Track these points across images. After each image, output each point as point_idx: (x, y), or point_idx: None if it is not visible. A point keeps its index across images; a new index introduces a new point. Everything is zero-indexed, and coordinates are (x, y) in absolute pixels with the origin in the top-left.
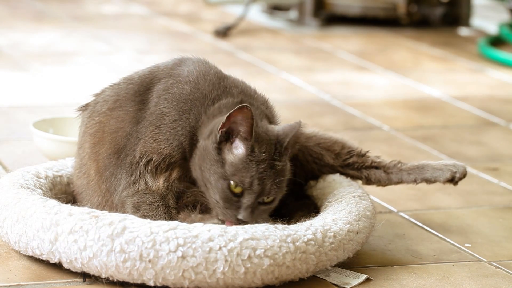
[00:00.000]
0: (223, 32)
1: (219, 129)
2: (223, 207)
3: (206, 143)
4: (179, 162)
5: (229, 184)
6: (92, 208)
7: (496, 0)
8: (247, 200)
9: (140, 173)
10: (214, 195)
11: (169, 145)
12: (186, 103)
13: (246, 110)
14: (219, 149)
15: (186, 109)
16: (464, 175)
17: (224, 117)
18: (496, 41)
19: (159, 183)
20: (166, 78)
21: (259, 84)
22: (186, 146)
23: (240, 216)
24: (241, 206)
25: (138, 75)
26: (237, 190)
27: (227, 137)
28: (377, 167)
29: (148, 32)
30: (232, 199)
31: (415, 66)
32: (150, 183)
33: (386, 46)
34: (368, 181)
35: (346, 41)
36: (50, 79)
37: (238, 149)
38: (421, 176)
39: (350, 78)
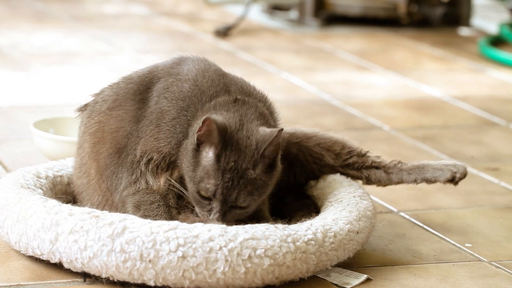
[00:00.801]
0: (224, 32)
1: (196, 132)
2: (196, 207)
3: (187, 142)
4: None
5: (197, 188)
6: (92, 207)
7: (496, 0)
8: (215, 205)
9: (141, 172)
10: (189, 194)
11: (169, 143)
12: (184, 100)
13: (209, 122)
14: (196, 151)
15: (184, 107)
16: (464, 175)
17: (201, 121)
18: (497, 41)
19: (160, 183)
20: (165, 77)
21: (260, 84)
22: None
23: (211, 218)
24: (212, 210)
25: (138, 74)
26: (203, 193)
27: (204, 141)
28: (377, 167)
29: (148, 32)
30: (203, 202)
31: (416, 66)
32: (151, 183)
33: (386, 46)
34: (368, 181)
35: (347, 41)
36: (50, 79)
37: (209, 155)
38: (422, 176)
39: (350, 78)
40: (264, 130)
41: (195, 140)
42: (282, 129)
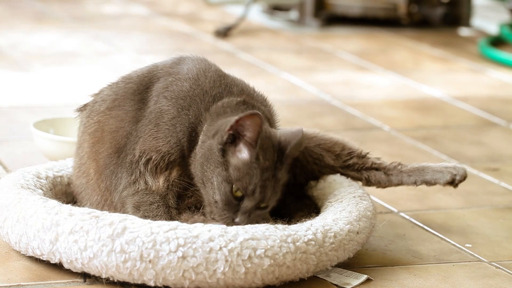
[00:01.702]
0: (224, 32)
1: (227, 131)
2: (222, 208)
3: (211, 142)
4: (178, 161)
5: (231, 188)
6: (91, 207)
7: (496, 0)
8: (246, 205)
9: (140, 172)
10: (213, 195)
11: (168, 143)
12: (185, 99)
13: (256, 118)
14: (223, 151)
15: (185, 106)
16: (464, 177)
17: (233, 119)
18: (497, 41)
19: (159, 183)
20: (165, 77)
21: (260, 84)
22: (185, 143)
23: (237, 220)
24: (239, 210)
25: (137, 74)
26: (238, 194)
27: (232, 139)
28: (377, 168)
29: (148, 32)
30: (233, 203)
31: (416, 66)
32: (150, 183)
33: (386, 46)
34: (368, 183)
35: (347, 42)
36: (50, 79)
37: (242, 153)
38: (421, 178)
39: (350, 78)
40: (287, 131)
41: (226, 138)
42: (302, 129)
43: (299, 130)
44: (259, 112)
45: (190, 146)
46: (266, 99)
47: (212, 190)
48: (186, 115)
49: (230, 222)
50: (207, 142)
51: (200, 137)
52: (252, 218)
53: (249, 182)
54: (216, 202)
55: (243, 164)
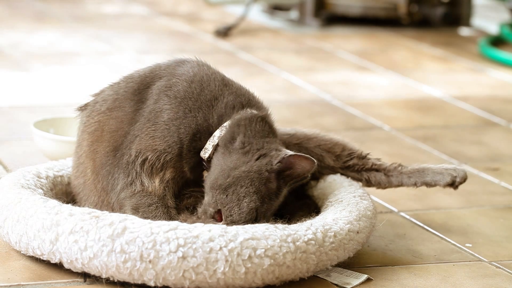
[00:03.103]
0: (224, 32)
1: (279, 161)
2: (210, 219)
3: (259, 165)
4: (174, 161)
5: (257, 216)
6: (89, 207)
7: (496, 0)
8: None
9: (136, 173)
10: (232, 212)
11: (165, 142)
12: (195, 101)
13: (312, 165)
14: (267, 179)
15: (194, 108)
16: (464, 179)
17: (288, 154)
18: (497, 41)
19: (155, 184)
20: (168, 77)
21: (260, 84)
22: (185, 143)
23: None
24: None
25: (139, 73)
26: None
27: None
28: (377, 169)
29: (148, 32)
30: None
31: (416, 66)
32: (146, 184)
33: (386, 46)
34: (368, 184)
35: (347, 41)
36: (50, 79)
37: (272, 185)
38: (422, 179)
39: (350, 78)
40: (305, 162)
41: (274, 170)
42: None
43: (313, 164)
44: (315, 160)
45: (191, 147)
46: (262, 103)
47: (235, 208)
48: (193, 117)
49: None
50: (252, 160)
51: (215, 138)
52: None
53: (268, 212)
54: (233, 220)
55: (269, 194)
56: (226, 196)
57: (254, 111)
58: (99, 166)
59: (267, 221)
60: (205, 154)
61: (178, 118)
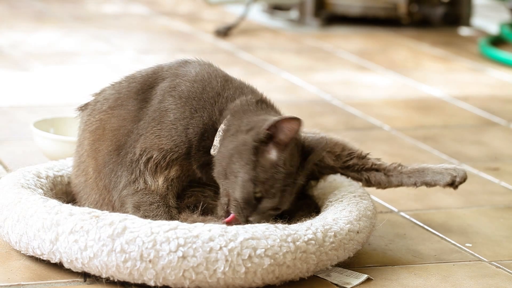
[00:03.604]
0: (224, 32)
1: (264, 129)
2: (240, 206)
3: (245, 137)
4: (180, 159)
5: (254, 188)
6: (90, 206)
7: (496, 0)
8: (264, 206)
9: (140, 171)
10: (234, 191)
11: (173, 141)
12: (198, 101)
13: (297, 124)
14: (257, 149)
15: (198, 107)
16: (464, 179)
17: (272, 119)
18: (497, 41)
19: (158, 183)
20: (171, 77)
21: (260, 84)
22: (195, 143)
23: (251, 218)
24: (255, 210)
25: (141, 74)
26: (259, 195)
27: (267, 139)
28: (377, 169)
29: (148, 32)
30: (252, 202)
31: (416, 66)
32: (149, 182)
33: (386, 46)
34: (368, 183)
35: (347, 41)
36: (50, 79)
37: (271, 155)
38: (421, 179)
39: (350, 78)
40: (312, 137)
41: (263, 136)
42: (326, 138)
43: (323, 138)
44: (300, 119)
45: (200, 146)
46: (263, 95)
47: (235, 186)
48: (200, 117)
49: (244, 220)
50: (241, 136)
51: (221, 132)
52: (264, 217)
53: (272, 185)
54: (235, 199)
55: (270, 166)
56: (228, 179)
57: (251, 97)
58: (102, 164)
59: (289, 200)
60: (214, 151)
61: (185, 118)
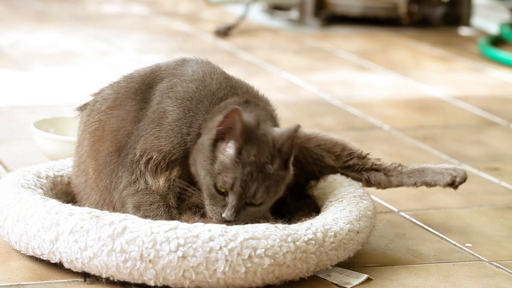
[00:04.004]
0: (224, 32)
1: (216, 127)
2: (209, 204)
3: (203, 138)
4: (180, 160)
5: (215, 182)
6: (90, 206)
7: (496, 0)
8: (230, 200)
9: (140, 172)
10: (202, 190)
11: (170, 143)
12: (191, 101)
13: (235, 113)
14: (214, 146)
15: (191, 107)
16: (464, 179)
17: (220, 116)
18: (497, 41)
19: (159, 183)
20: (169, 77)
21: (260, 84)
22: (191, 143)
23: (223, 215)
24: (226, 205)
25: (139, 73)
26: (222, 189)
27: (224, 136)
28: (377, 169)
29: (148, 32)
30: (218, 197)
31: (416, 66)
32: (150, 183)
33: (386, 46)
34: (368, 183)
35: (347, 41)
36: (50, 79)
37: (229, 149)
38: (421, 179)
39: (350, 78)
40: (280, 129)
41: (215, 133)
42: (300, 126)
43: (294, 127)
44: (239, 108)
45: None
46: (269, 101)
47: (201, 185)
48: (193, 117)
49: (220, 218)
50: (201, 138)
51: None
52: (244, 215)
53: (229, 176)
54: (205, 197)
55: (228, 159)
56: (199, 179)
57: (237, 98)
58: (102, 165)
59: (266, 194)
60: None
61: (180, 119)
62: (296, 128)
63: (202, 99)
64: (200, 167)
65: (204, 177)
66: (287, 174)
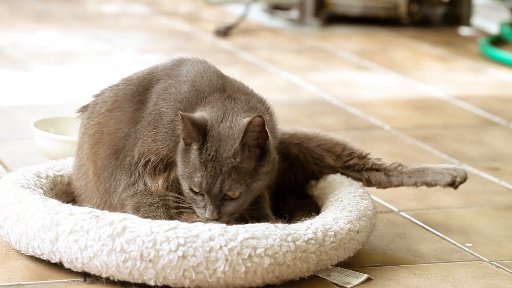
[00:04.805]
0: (224, 32)
1: (181, 131)
2: (194, 207)
3: (179, 144)
4: None
5: (189, 184)
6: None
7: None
8: (206, 199)
9: (139, 174)
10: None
11: (167, 146)
12: (182, 102)
13: (183, 117)
14: (186, 150)
15: (181, 109)
16: (464, 179)
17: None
18: (497, 41)
19: (158, 184)
20: (165, 79)
21: (260, 84)
22: None
23: (206, 215)
24: (206, 205)
25: (137, 76)
26: (195, 189)
27: (188, 140)
28: (377, 169)
29: (148, 32)
30: (197, 199)
31: (416, 66)
32: (149, 184)
33: (387, 46)
34: (368, 183)
35: (347, 41)
36: (50, 79)
37: (193, 151)
38: (422, 179)
39: (351, 78)
40: (244, 119)
41: (181, 140)
42: (260, 116)
43: (251, 116)
44: (181, 114)
45: None
46: (264, 100)
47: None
48: None
49: (205, 218)
50: (180, 143)
51: None
52: (225, 211)
53: (195, 175)
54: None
55: (193, 159)
56: (182, 184)
57: (218, 95)
58: (101, 168)
59: (237, 185)
60: None
61: (173, 121)
62: (252, 119)
63: (190, 100)
64: (178, 174)
65: (182, 183)
66: (265, 164)
